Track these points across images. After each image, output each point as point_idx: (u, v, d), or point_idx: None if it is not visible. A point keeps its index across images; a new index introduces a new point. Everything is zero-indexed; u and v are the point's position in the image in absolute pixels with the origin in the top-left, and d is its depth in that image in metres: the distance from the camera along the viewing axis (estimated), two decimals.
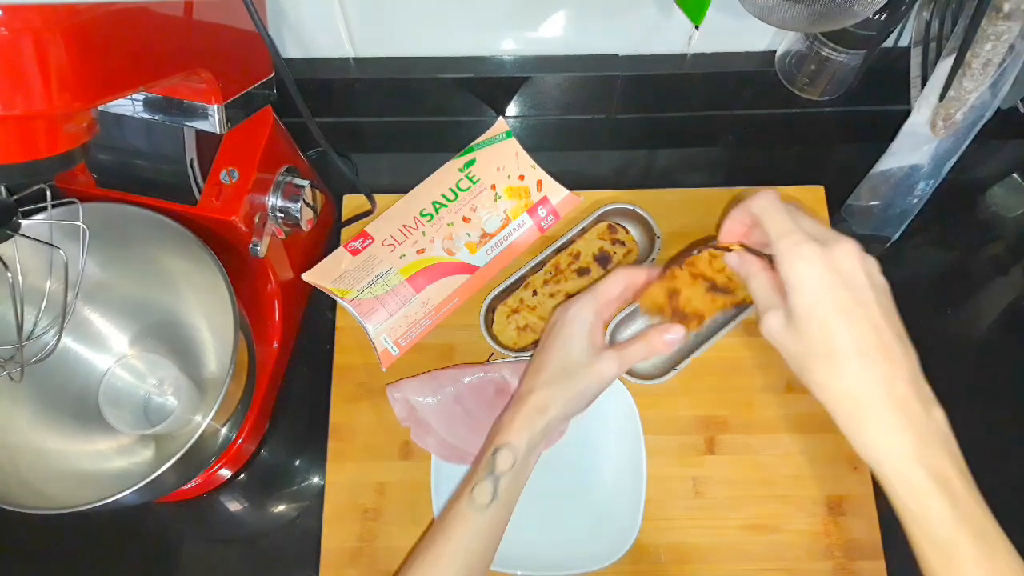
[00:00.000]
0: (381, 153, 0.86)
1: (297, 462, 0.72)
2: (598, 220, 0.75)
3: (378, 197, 0.75)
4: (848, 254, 0.43)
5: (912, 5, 0.62)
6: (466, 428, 0.67)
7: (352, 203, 0.79)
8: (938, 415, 0.43)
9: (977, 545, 0.41)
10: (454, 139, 0.79)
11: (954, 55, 0.59)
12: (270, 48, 0.54)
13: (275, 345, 0.71)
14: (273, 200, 0.65)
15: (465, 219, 0.74)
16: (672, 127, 0.85)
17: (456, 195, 0.75)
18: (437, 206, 0.75)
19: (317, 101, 0.73)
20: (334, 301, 0.72)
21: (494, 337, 0.72)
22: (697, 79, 0.80)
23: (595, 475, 0.68)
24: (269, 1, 0.68)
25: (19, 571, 0.69)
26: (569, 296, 0.74)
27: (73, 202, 0.56)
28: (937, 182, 0.70)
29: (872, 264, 0.45)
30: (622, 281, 0.59)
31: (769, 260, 0.47)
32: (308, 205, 0.67)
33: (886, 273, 0.78)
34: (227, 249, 0.60)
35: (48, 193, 0.55)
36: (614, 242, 0.76)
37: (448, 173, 0.76)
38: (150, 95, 0.56)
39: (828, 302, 0.42)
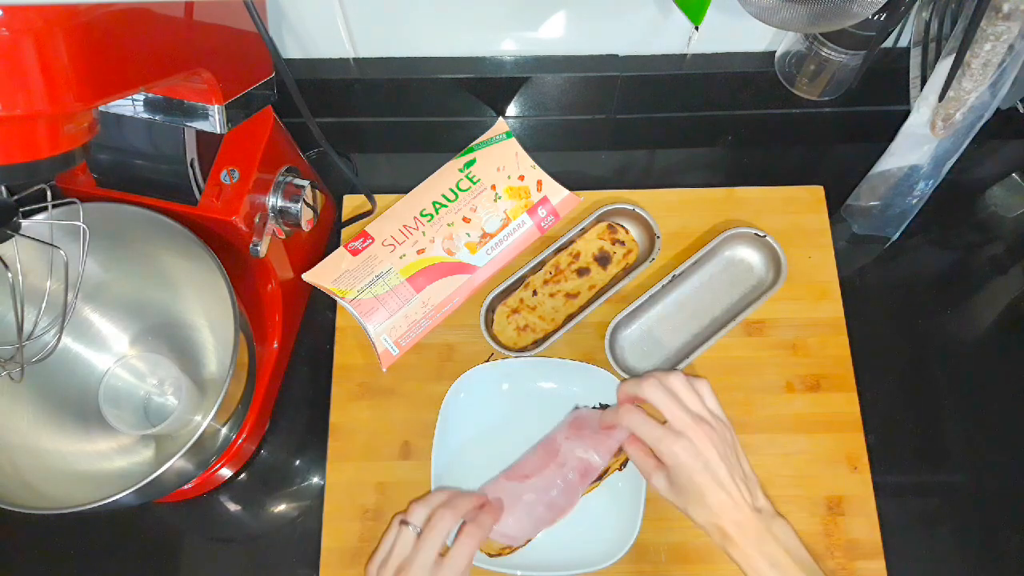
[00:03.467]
0: (381, 153, 0.86)
1: (297, 462, 0.72)
2: (598, 220, 0.75)
3: (378, 197, 0.75)
4: (705, 438, 0.57)
5: (912, 5, 0.62)
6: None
7: (352, 203, 0.79)
8: (779, 527, 0.56)
9: None
10: (454, 139, 0.79)
11: (953, 55, 0.59)
12: (270, 48, 0.54)
13: (275, 345, 0.71)
14: (273, 200, 0.65)
15: (465, 219, 0.74)
16: (672, 127, 0.85)
17: (456, 195, 0.75)
18: (437, 206, 0.75)
19: (317, 101, 0.73)
20: (334, 301, 0.72)
21: (494, 337, 0.72)
22: (697, 79, 0.80)
23: None
24: (269, 1, 0.68)
25: (19, 571, 0.69)
26: (568, 296, 0.74)
27: (73, 202, 0.56)
28: (937, 182, 0.70)
29: (719, 425, 0.59)
30: (450, 523, 0.58)
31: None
32: (308, 205, 0.67)
33: (886, 273, 0.78)
34: (227, 249, 0.60)
35: (48, 193, 0.55)
36: (614, 242, 0.76)
37: (448, 173, 0.76)
38: (150, 95, 0.56)
39: (691, 464, 0.57)
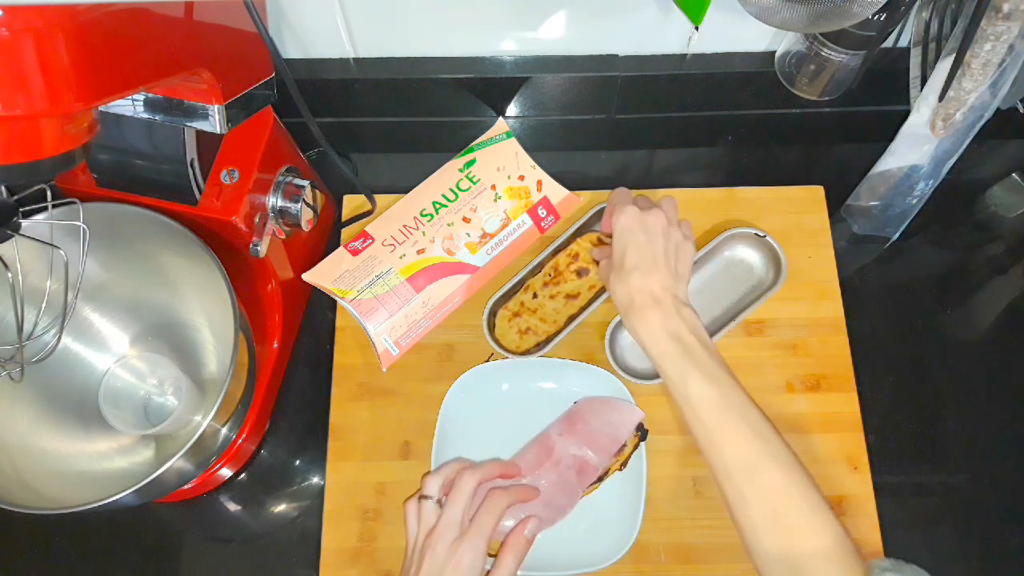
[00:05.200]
0: (381, 153, 0.86)
1: (297, 462, 0.72)
2: (597, 220, 0.75)
3: (378, 197, 0.75)
4: (654, 215, 0.63)
5: (912, 5, 0.62)
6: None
7: (352, 203, 0.79)
8: (687, 312, 0.60)
9: (704, 379, 0.56)
10: (454, 139, 0.79)
11: (953, 55, 0.59)
12: (270, 48, 0.54)
13: (275, 345, 0.71)
14: (273, 200, 0.65)
15: (465, 219, 0.74)
16: (672, 127, 0.85)
17: (456, 195, 0.75)
18: (437, 206, 0.75)
19: (317, 101, 0.73)
20: (334, 301, 0.72)
21: (497, 341, 0.72)
22: (697, 79, 0.80)
23: None
24: (269, 1, 0.68)
25: (19, 571, 0.69)
26: (568, 297, 0.74)
27: (73, 202, 0.56)
28: (937, 182, 0.70)
29: (674, 227, 0.64)
30: (471, 482, 0.59)
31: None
32: (308, 205, 0.67)
33: (886, 273, 0.78)
34: (227, 249, 0.60)
35: (48, 193, 0.55)
36: None
37: (448, 173, 0.76)
38: (150, 95, 0.56)
39: (629, 238, 0.62)
